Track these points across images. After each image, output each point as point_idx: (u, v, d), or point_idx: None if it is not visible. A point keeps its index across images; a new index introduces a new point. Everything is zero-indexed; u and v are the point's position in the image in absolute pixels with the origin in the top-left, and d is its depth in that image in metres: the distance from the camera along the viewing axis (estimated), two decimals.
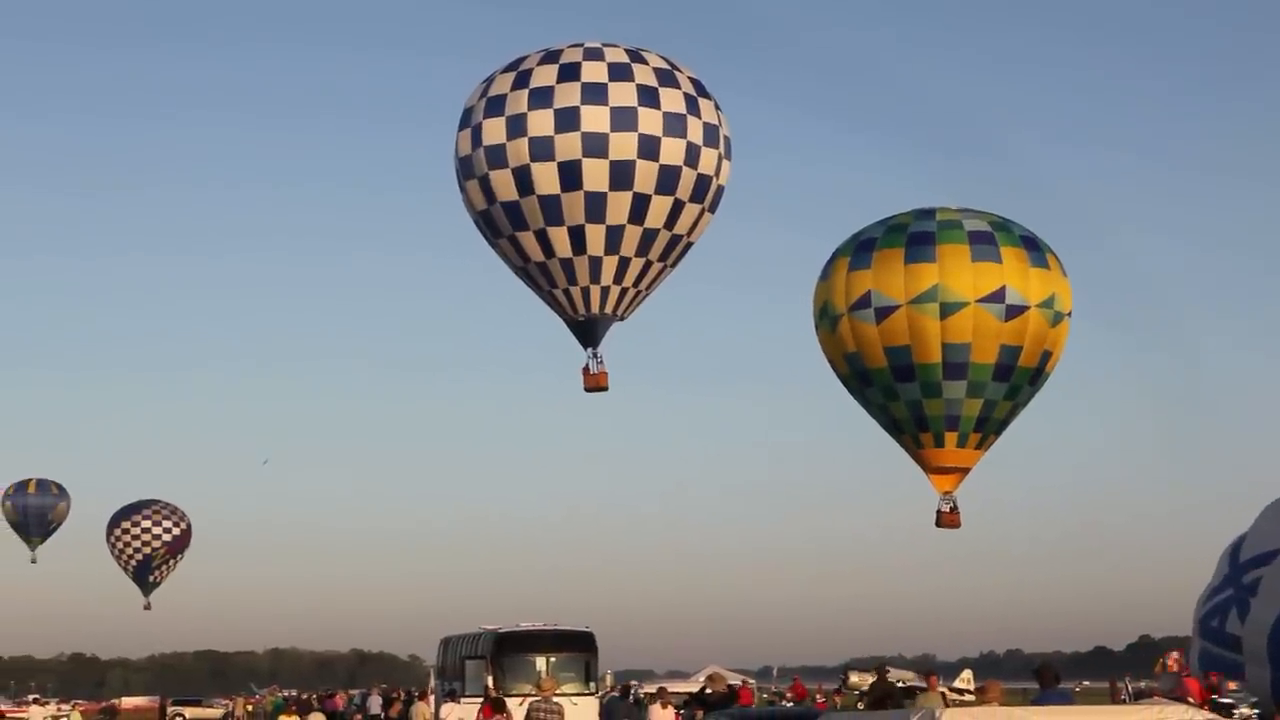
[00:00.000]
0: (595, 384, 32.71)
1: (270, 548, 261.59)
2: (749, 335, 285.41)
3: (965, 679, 72.16)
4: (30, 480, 69.02)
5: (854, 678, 70.17)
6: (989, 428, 30.94)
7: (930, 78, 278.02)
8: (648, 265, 31.95)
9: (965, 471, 31.71)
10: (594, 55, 31.34)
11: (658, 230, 31.50)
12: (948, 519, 31.71)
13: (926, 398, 30.30)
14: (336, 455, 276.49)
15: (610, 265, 31.54)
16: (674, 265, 32.70)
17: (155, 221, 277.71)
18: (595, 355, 32.73)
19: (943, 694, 18.89)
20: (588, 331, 32.55)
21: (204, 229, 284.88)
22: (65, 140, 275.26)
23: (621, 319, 32.70)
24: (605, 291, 31.85)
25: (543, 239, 31.40)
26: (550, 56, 31.46)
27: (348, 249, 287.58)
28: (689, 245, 32.59)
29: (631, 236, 31.32)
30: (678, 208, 31.52)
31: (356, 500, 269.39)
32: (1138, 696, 60.94)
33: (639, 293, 32.43)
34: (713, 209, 32.58)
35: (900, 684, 72.48)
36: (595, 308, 32.07)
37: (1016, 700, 17.22)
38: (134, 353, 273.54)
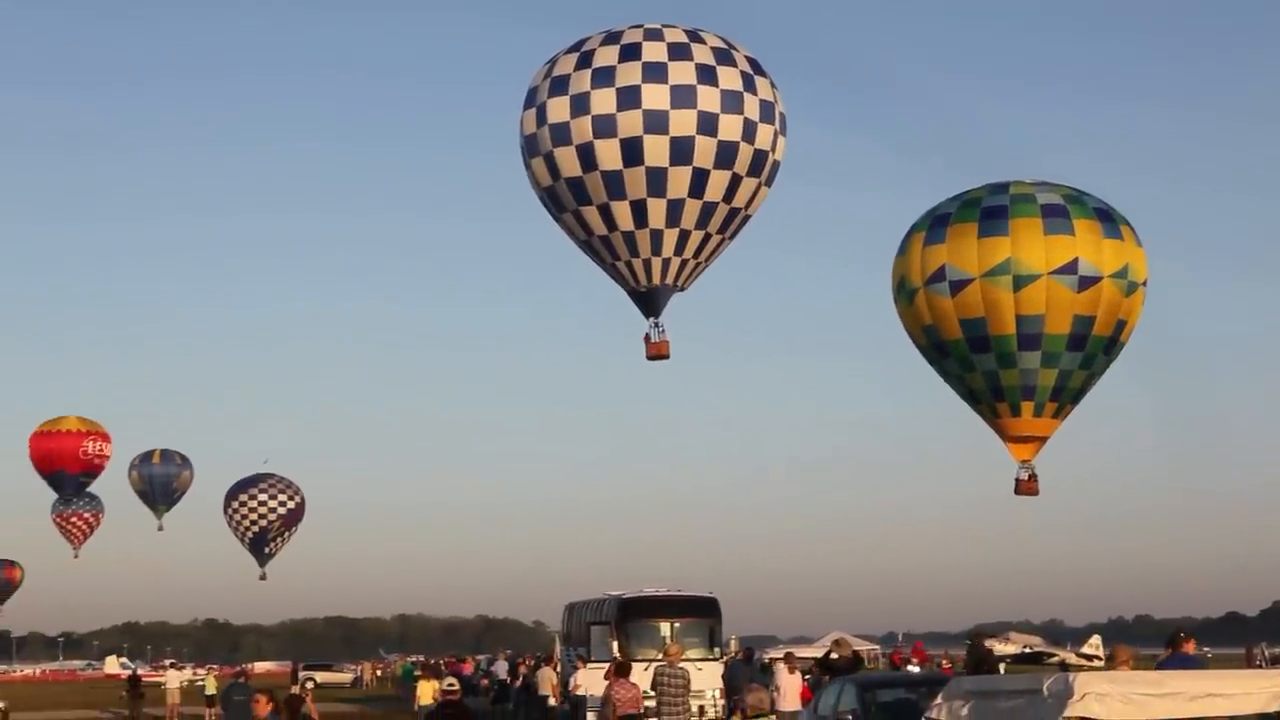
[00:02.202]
0: (657, 352, 33.29)
1: (399, 518, 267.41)
2: (822, 302, 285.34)
3: (1094, 645, 71.66)
4: (155, 450, 70.68)
5: None
6: (1065, 397, 31.21)
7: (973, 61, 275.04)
8: (707, 237, 32.54)
9: (1043, 440, 32.00)
10: (654, 35, 31.94)
11: (716, 203, 32.11)
12: (1025, 486, 31.99)
13: (1002, 368, 30.68)
14: (458, 427, 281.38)
15: (671, 238, 32.20)
16: (732, 237, 33.24)
17: (244, 187, 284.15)
18: (657, 325, 33.35)
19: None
20: (649, 302, 33.19)
21: (298, 193, 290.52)
22: (208, 99, 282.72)
23: (682, 289, 33.33)
24: (666, 263, 32.53)
25: (606, 213, 32.09)
26: (611, 37, 32.10)
27: (438, 233, 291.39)
28: (747, 218, 33.16)
29: (691, 210, 31.93)
30: (735, 182, 32.10)
31: (482, 471, 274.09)
32: (1275, 662, 60.08)
33: (698, 264, 33.03)
34: (769, 183, 33.15)
35: (1027, 649, 72.62)
36: (656, 279, 32.73)
37: (1146, 666, 16.70)
38: (242, 329, 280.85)
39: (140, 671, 79.75)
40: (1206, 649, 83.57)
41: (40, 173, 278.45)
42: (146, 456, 70.27)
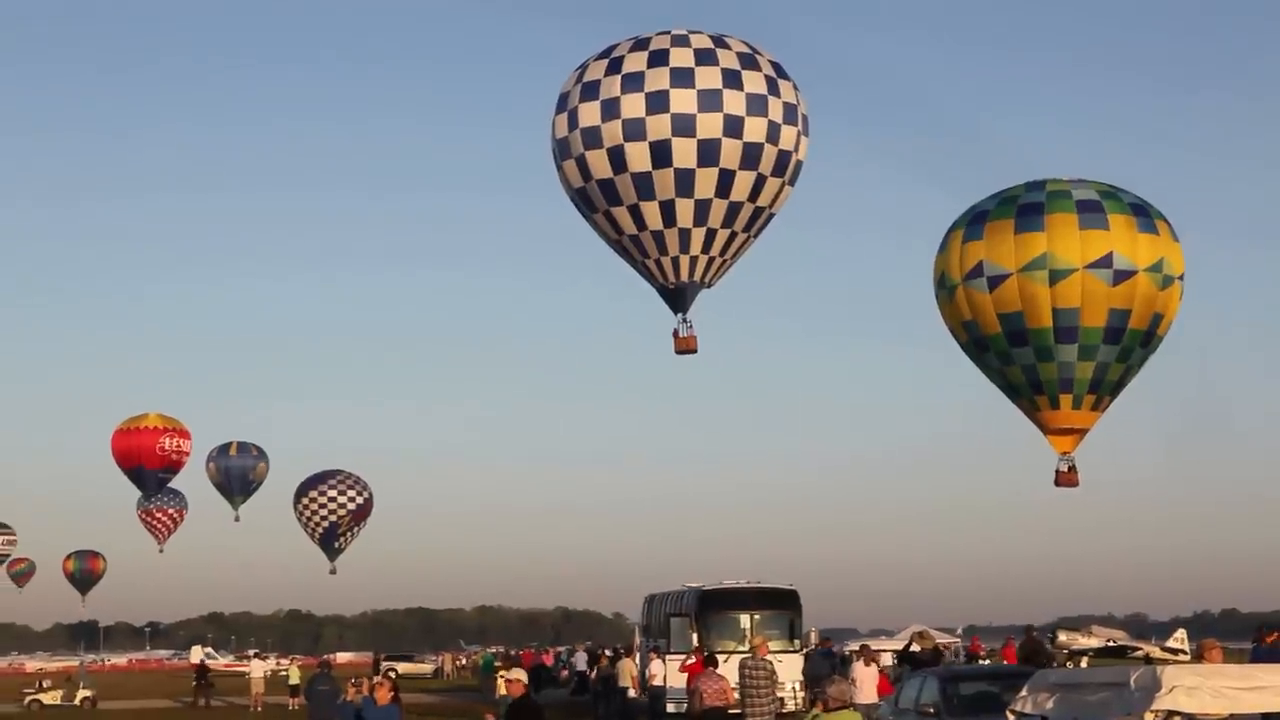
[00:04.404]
0: (685, 347, 34.01)
1: (479, 509, 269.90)
2: (851, 292, 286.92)
3: (1179, 639, 70.97)
4: (232, 443, 71.98)
5: (1062, 636, 69.09)
6: (1103, 389, 31.63)
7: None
8: (733, 236, 33.30)
9: (1083, 433, 32.48)
10: (681, 42, 32.75)
11: (742, 203, 32.87)
12: (1065, 478, 32.46)
13: (1040, 362, 31.11)
14: (536, 420, 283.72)
15: (698, 236, 32.93)
16: (757, 235, 33.97)
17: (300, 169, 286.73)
18: (685, 320, 34.03)
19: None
20: (678, 298, 33.91)
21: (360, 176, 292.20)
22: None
23: (709, 286, 34.06)
24: (694, 261, 33.30)
25: (635, 213, 32.87)
26: (640, 44, 32.93)
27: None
28: (771, 216, 33.89)
29: (718, 209, 32.68)
30: (760, 182, 32.87)
31: (562, 462, 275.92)
32: None
33: (725, 261, 33.75)
34: (792, 182, 33.88)
35: (1110, 643, 72.37)
36: (685, 276, 33.49)
37: (1234, 660, 16.93)
38: (312, 322, 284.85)
39: (224, 662, 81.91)
40: None
41: (113, 165, 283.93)
42: (223, 449, 71.54)
